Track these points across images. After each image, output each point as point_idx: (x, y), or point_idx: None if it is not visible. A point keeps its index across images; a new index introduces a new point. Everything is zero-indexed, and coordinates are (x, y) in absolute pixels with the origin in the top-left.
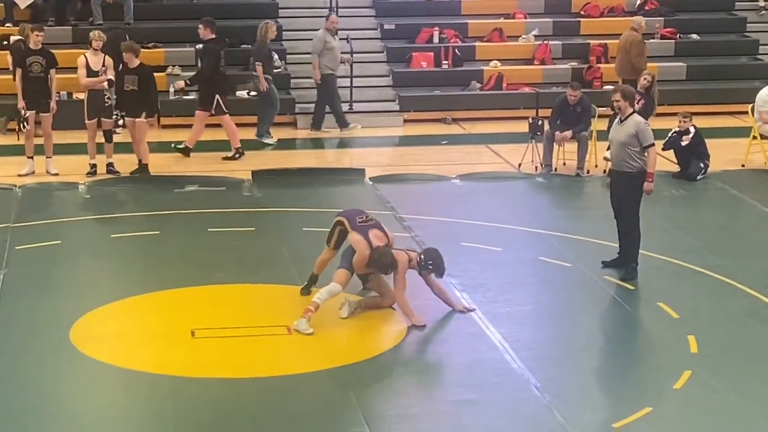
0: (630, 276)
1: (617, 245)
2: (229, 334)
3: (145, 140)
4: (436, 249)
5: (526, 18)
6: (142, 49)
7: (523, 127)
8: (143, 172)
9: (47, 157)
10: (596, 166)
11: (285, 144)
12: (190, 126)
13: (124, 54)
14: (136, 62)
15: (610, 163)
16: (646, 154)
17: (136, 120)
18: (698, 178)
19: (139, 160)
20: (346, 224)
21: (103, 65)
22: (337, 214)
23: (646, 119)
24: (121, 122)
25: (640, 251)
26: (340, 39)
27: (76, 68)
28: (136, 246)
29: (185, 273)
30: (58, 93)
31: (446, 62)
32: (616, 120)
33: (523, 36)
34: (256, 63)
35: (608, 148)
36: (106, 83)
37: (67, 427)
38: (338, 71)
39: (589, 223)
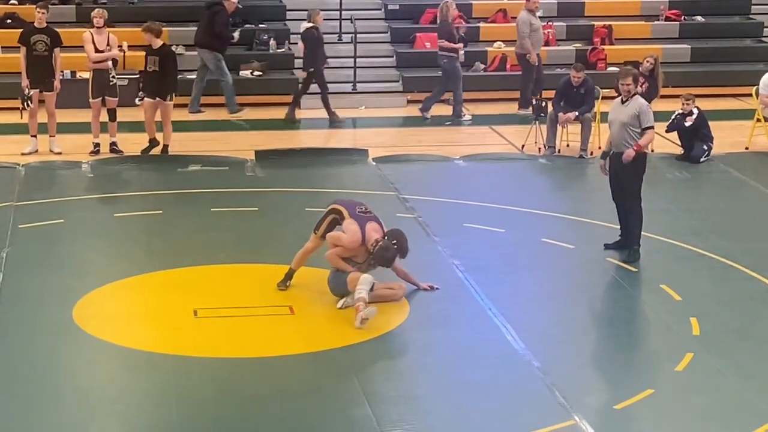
0: (632, 258)
1: (619, 227)
2: (232, 314)
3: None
4: (398, 229)
5: None
6: None
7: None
8: (163, 152)
9: (51, 136)
10: (599, 147)
11: (288, 124)
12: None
13: (145, 35)
14: (158, 43)
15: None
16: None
17: (166, 102)
18: (702, 160)
19: (151, 140)
20: (344, 212)
21: (108, 44)
22: (334, 202)
23: (650, 102)
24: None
25: (642, 233)
26: (343, 19)
27: (80, 47)
28: (139, 225)
29: (188, 252)
30: (62, 72)
31: None
32: (617, 100)
33: None
34: (440, 40)
35: None
36: (110, 62)
37: (70, 406)
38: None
39: (592, 204)
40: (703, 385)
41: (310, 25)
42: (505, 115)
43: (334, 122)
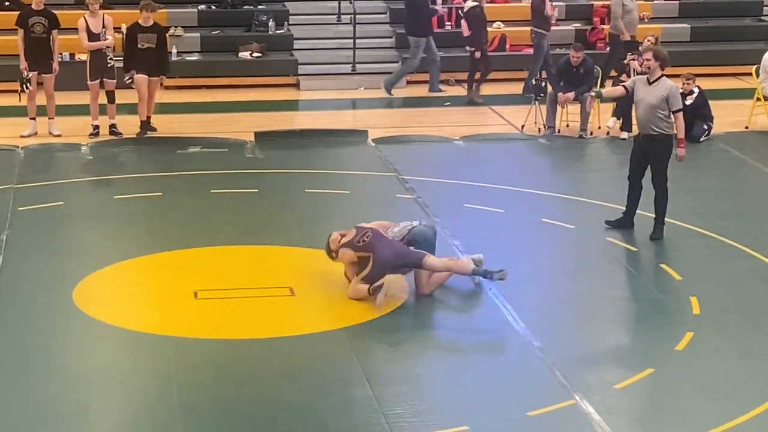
0: (658, 235)
1: (619, 206)
2: (232, 296)
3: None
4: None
5: None
6: None
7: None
8: (149, 128)
9: (50, 119)
10: (599, 127)
11: (288, 105)
12: (192, 87)
13: (140, 12)
14: (151, 21)
15: (614, 126)
16: (671, 118)
17: (153, 78)
18: (702, 139)
19: (143, 121)
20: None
21: (103, 26)
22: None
23: None
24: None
25: (642, 212)
26: (342, 0)
27: (78, 29)
28: (138, 207)
29: (188, 234)
30: (60, 54)
31: (449, 23)
32: (641, 78)
33: None
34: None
35: (613, 114)
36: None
37: (70, 388)
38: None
39: (591, 184)
40: (703, 364)
41: (474, 3)
42: (505, 96)
43: (472, 101)
